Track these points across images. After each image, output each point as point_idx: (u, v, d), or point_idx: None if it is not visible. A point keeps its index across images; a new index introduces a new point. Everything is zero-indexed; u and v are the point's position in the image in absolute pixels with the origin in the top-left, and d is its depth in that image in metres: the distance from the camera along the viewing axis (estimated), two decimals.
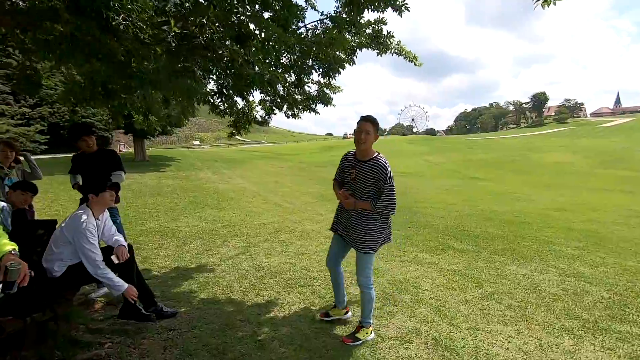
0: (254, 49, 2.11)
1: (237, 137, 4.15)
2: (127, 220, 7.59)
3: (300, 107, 3.77)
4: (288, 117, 3.87)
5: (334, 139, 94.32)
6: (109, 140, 49.53)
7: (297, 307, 3.55)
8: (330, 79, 3.33)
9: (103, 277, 2.73)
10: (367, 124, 2.65)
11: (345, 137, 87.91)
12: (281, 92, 3.64)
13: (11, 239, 3.11)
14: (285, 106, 3.80)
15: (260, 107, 3.93)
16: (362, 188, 2.73)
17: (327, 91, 3.84)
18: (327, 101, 3.84)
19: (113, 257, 2.78)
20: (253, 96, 3.63)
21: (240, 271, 4.55)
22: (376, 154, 2.72)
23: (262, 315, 3.34)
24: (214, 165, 22.61)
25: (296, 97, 3.66)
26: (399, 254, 5.46)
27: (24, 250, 2.85)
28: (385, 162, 2.69)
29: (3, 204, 3.17)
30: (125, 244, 2.94)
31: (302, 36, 2.74)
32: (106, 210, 3.05)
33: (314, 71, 3.30)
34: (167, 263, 4.86)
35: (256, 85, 2.31)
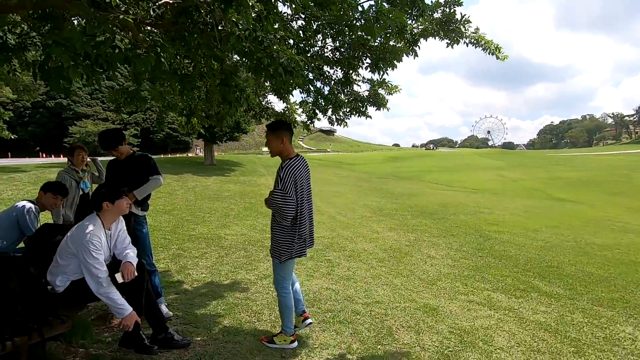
0: (252, 19, 1.59)
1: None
2: (181, 224, 7.66)
3: (347, 109, 3.16)
4: (332, 123, 3.28)
5: (400, 150, 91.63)
6: (189, 145, 54.28)
7: (329, 353, 2.90)
8: (381, 73, 2.66)
9: (105, 297, 2.39)
10: (268, 132, 2.74)
11: (427, 147, 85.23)
12: (325, 92, 3.09)
13: (29, 243, 2.99)
14: (329, 110, 3.22)
15: (301, 110, 3.42)
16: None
17: (382, 91, 3.17)
18: (380, 103, 3.17)
19: (117, 276, 2.43)
20: (292, 95, 3.12)
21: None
22: (287, 159, 2.73)
23: (285, 359, 2.76)
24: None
25: (342, 97, 3.07)
26: (465, 290, 4.49)
27: (29, 259, 2.65)
28: (283, 167, 2.67)
29: (30, 204, 3.06)
30: (134, 260, 2.58)
31: (342, 13, 2.14)
32: (121, 220, 2.74)
33: (361, 64, 2.66)
34: (202, 276, 4.56)
35: (272, 73, 1.77)
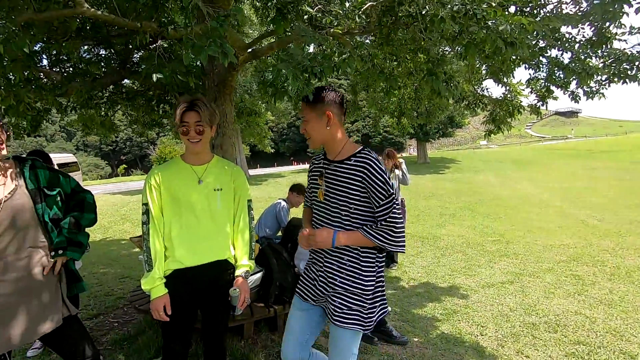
0: None
1: (495, 135, 3.14)
2: None
3: (603, 77, 2.27)
4: (577, 99, 2.44)
5: None
6: (403, 145, 56.79)
7: None
8: None
9: None
10: (303, 106, 1.55)
11: None
12: (564, 60, 2.34)
13: (284, 233, 3.79)
14: (573, 82, 2.42)
15: (529, 89, 2.73)
16: (340, 206, 1.48)
17: None
18: None
19: None
20: (513, 76, 2.55)
21: (501, 308, 3.51)
22: (359, 148, 1.52)
23: None
24: (498, 167, 20.40)
25: (593, 62, 2.23)
26: None
27: (284, 246, 3.35)
28: (377, 159, 1.46)
29: (284, 202, 3.90)
30: None
31: None
32: None
33: (623, 11, 1.81)
34: (418, 275, 4.54)
35: (489, 52, 1.42)
